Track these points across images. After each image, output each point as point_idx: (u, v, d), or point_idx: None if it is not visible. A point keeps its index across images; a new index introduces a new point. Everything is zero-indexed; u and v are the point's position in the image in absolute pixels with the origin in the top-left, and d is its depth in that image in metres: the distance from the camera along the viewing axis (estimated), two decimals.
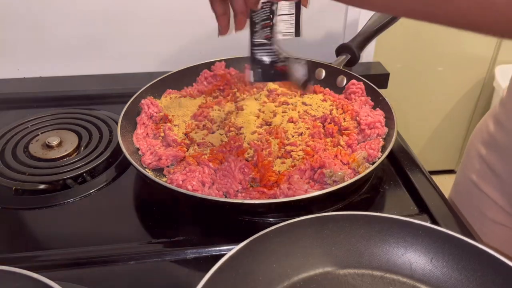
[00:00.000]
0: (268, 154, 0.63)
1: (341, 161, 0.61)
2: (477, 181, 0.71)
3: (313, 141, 0.65)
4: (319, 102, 0.74)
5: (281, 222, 0.47)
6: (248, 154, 0.64)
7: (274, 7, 0.52)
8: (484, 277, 0.44)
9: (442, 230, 0.47)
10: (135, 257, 0.53)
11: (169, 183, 0.58)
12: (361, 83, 0.76)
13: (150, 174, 0.60)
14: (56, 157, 0.70)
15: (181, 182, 0.58)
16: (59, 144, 0.72)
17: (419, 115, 1.64)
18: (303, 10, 0.88)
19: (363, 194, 0.63)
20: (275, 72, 0.53)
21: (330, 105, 0.73)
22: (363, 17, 0.93)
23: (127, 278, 0.51)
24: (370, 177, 0.65)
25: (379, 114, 0.69)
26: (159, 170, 0.64)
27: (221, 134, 0.68)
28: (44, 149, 0.71)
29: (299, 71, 0.54)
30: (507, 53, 1.51)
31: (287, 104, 0.74)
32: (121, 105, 0.71)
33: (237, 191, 0.58)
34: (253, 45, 0.53)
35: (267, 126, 0.70)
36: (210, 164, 0.61)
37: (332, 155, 0.62)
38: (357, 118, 0.68)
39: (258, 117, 0.71)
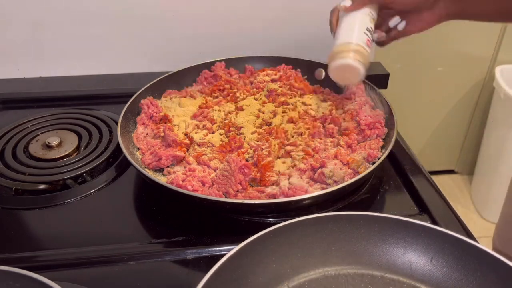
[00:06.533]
0: (268, 154, 0.63)
1: (341, 161, 0.61)
2: None
3: (313, 141, 0.65)
4: (319, 102, 0.74)
5: (281, 222, 0.47)
6: (248, 154, 0.64)
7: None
8: (484, 277, 0.44)
9: (442, 230, 0.46)
10: (135, 257, 0.53)
11: (169, 183, 0.58)
12: (361, 83, 0.76)
13: (150, 174, 0.60)
14: (56, 157, 0.70)
15: (181, 182, 0.58)
16: (59, 144, 0.72)
17: (419, 115, 1.63)
18: (303, 10, 0.87)
19: (363, 194, 0.63)
20: None
21: (330, 105, 0.73)
22: None
23: (127, 278, 0.51)
24: (370, 177, 0.65)
25: (379, 114, 0.69)
26: (159, 170, 0.64)
27: (221, 134, 0.68)
28: (44, 149, 0.71)
29: None
30: (507, 53, 1.51)
31: (287, 104, 0.74)
32: (121, 105, 0.71)
33: (237, 191, 0.58)
34: None
35: (267, 126, 0.70)
36: (210, 164, 0.61)
37: (332, 155, 0.62)
38: (357, 118, 0.68)
39: (258, 117, 0.71)
